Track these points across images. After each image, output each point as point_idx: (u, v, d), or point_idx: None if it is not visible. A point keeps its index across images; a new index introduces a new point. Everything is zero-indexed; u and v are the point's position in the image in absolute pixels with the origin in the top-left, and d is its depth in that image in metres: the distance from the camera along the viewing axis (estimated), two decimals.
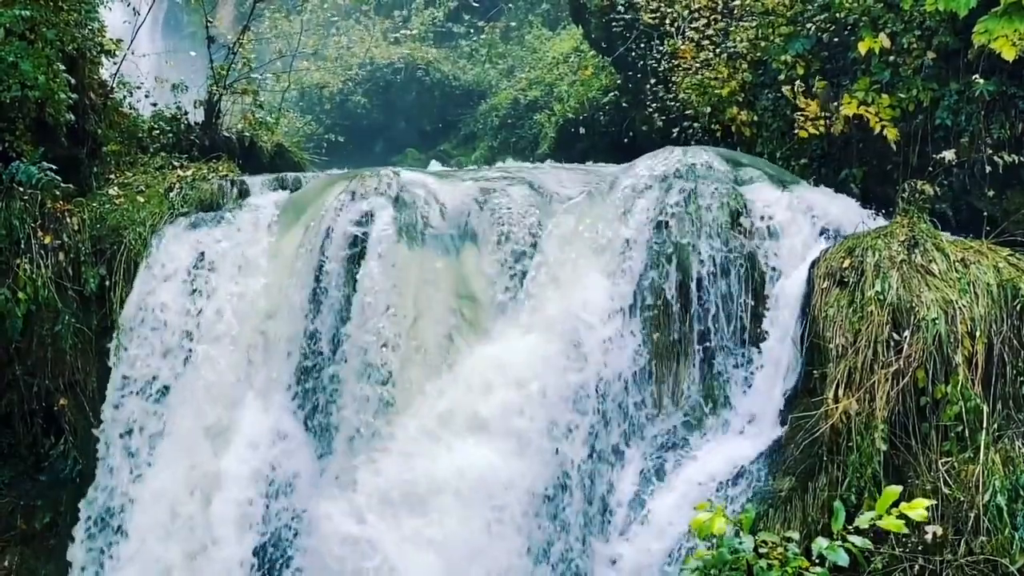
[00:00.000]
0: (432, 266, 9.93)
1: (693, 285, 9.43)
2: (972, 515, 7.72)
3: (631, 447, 9.36)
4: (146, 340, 10.21)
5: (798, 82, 10.99)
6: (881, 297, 8.30)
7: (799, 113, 10.83)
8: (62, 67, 10.56)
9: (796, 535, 5.82)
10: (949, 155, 9.65)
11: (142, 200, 11.04)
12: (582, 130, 17.20)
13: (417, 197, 10.28)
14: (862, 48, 10.06)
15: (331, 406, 9.76)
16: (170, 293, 10.30)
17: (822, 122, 10.82)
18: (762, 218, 9.61)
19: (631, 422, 9.38)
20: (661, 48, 14.03)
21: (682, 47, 13.46)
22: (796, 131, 10.85)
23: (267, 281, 10.28)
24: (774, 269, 9.42)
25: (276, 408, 9.93)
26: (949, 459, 7.95)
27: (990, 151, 9.71)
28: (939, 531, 7.67)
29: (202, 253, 10.45)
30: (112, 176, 11.71)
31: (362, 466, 9.33)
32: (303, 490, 9.70)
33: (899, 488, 5.34)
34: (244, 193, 11.26)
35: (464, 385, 9.45)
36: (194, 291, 10.30)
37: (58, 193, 10.51)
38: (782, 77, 11.39)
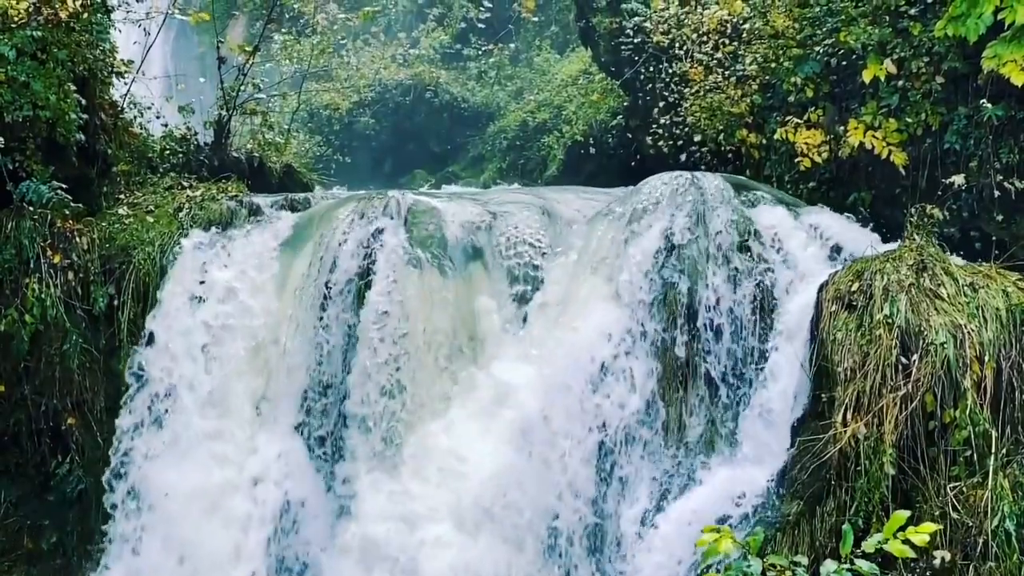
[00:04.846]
0: (441, 288, 9.92)
1: (701, 309, 9.42)
2: (981, 540, 7.67)
3: (637, 475, 9.31)
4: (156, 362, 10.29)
5: (792, 119, 11.08)
6: (890, 321, 8.28)
7: (801, 142, 10.87)
8: (73, 87, 10.62)
9: (804, 559, 5.78)
10: (958, 179, 9.65)
11: (151, 220, 11.06)
12: (591, 152, 17.21)
13: (426, 219, 10.29)
14: (866, 76, 10.10)
15: (339, 430, 9.76)
16: (178, 315, 10.34)
17: (826, 149, 10.85)
18: (770, 242, 9.61)
19: (637, 449, 9.34)
20: (670, 71, 14.06)
21: (691, 70, 13.49)
22: (799, 159, 10.88)
23: (275, 304, 10.29)
24: (782, 292, 9.40)
25: (283, 432, 9.94)
26: (958, 484, 7.91)
27: (999, 176, 9.71)
28: (947, 556, 7.62)
29: (207, 276, 10.45)
30: (122, 196, 11.73)
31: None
32: (310, 521, 9.73)
33: (907, 512, 5.32)
34: (253, 214, 11.27)
35: (468, 412, 9.46)
36: (199, 317, 10.35)
37: (68, 212, 10.52)
38: (792, 99, 11.43)
